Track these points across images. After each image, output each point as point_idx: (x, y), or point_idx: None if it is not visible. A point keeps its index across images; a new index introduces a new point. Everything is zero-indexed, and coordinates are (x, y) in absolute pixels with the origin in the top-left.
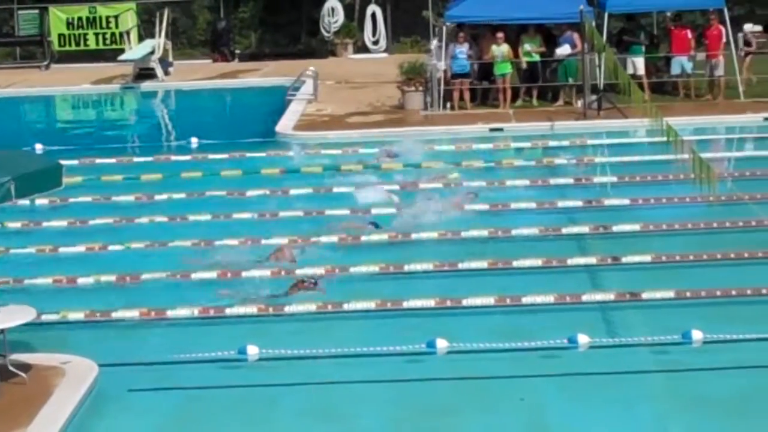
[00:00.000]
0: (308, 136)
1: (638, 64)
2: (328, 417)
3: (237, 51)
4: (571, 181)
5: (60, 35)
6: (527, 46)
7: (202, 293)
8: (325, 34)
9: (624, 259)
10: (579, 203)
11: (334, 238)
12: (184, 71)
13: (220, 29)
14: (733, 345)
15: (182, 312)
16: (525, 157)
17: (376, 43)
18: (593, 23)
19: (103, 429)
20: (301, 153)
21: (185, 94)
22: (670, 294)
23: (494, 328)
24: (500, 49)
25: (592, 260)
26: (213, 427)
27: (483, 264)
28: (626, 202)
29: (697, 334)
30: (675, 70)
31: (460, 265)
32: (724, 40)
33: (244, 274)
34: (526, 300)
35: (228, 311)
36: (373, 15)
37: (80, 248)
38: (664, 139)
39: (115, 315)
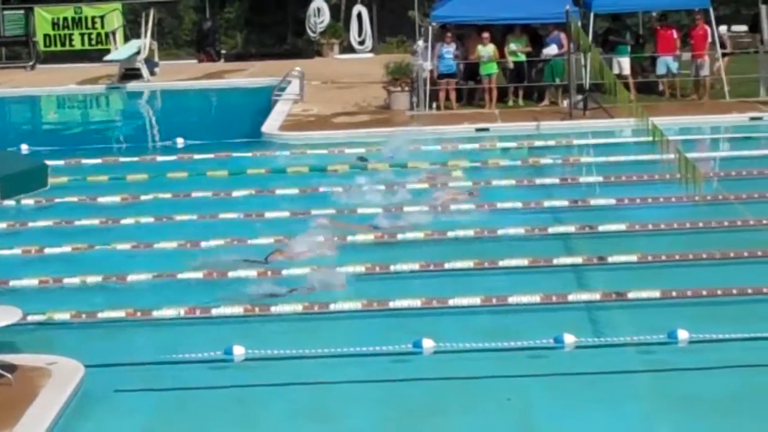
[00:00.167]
0: (294, 137)
1: (624, 64)
2: (314, 417)
3: (223, 51)
4: (557, 180)
5: (45, 35)
6: (513, 46)
7: (188, 293)
8: (311, 34)
9: (610, 259)
10: (565, 203)
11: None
12: (169, 71)
13: (206, 29)
14: (718, 344)
15: (168, 312)
16: (511, 157)
17: (362, 43)
18: (579, 23)
19: (89, 430)
20: (287, 153)
21: (171, 94)
22: (656, 294)
23: (480, 328)
24: (486, 50)
25: (578, 260)
26: (199, 428)
27: (469, 264)
28: (612, 201)
29: (682, 334)
30: (660, 70)
31: (447, 265)
32: (709, 40)
33: (230, 274)
34: (512, 300)
35: (214, 311)
36: (359, 15)
37: (66, 249)
38: (650, 138)
39: (101, 315)
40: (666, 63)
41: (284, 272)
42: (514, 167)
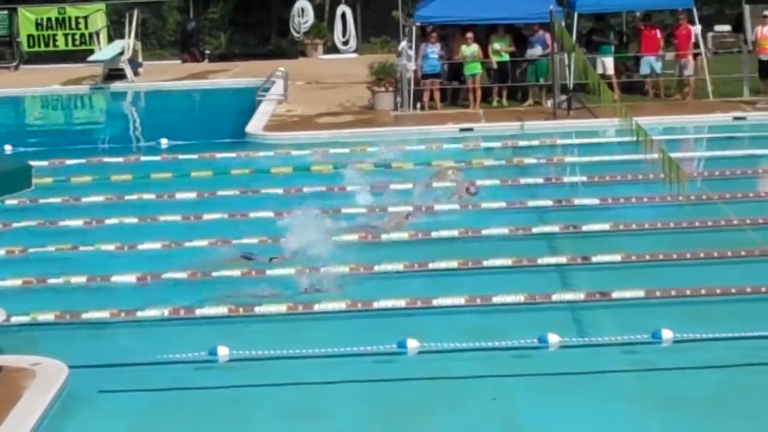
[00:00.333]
0: (278, 137)
1: (608, 63)
2: (299, 417)
3: (207, 51)
4: (541, 180)
5: (29, 36)
6: (497, 45)
7: (173, 294)
8: (295, 34)
9: (594, 259)
10: (549, 203)
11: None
12: (153, 72)
13: (190, 30)
14: (702, 344)
15: (152, 313)
16: (495, 157)
17: (346, 43)
18: (563, 23)
19: (73, 431)
20: (271, 153)
21: (155, 94)
22: (640, 293)
23: (465, 328)
24: (470, 49)
25: (562, 260)
26: (184, 428)
27: (453, 264)
28: (596, 201)
29: (667, 334)
30: (644, 69)
31: (431, 265)
32: (693, 39)
33: (214, 273)
34: (496, 300)
35: (198, 312)
36: (343, 15)
37: (50, 249)
38: (634, 138)
39: (85, 316)
40: (650, 63)
41: (268, 272)
42: (499, 167)
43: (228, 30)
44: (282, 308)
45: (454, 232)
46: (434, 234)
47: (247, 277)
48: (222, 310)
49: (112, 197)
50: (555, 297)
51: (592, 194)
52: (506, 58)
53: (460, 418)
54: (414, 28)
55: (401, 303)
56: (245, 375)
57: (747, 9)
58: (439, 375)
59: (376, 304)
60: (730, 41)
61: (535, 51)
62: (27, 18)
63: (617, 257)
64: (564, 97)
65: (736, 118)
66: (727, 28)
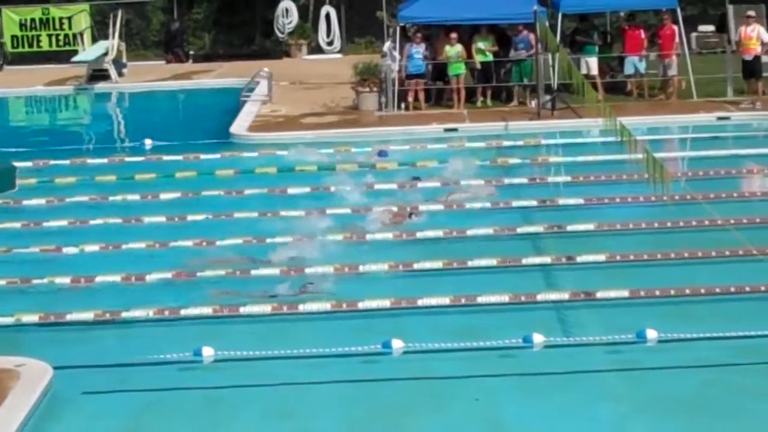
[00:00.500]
0: (263, 137)
1: (592, 64)
2: (284, 418)
3: (191, 52)
4: (525, 180)
5: (13, 37)
6: (480, 45)
7: (157, 295)
8: (280, 35)
9: (578, 259)
10: (533, 203)
11: (288, 239)
12: (137, 72)
13: (174, 30)
14: (687, 344)
15: (137, 314)
16: (480, 157)
17: (330, 43)
18: (547, 23)
19: None
20: (256, 154)
21: (139, 95)
22: (625, 293)
23: (449, 328)
24: (454, 50)
25: (546, 260)
26: (169, 430)
27: (438, 264)
28: (580, 201)
29: (651, 333)
30: (628, 69)
31: (415, 266)
32: (677, 39)
33: (199, 274)
34: (481, 300)
35: (183, 312)
36: (327, 16)
37: (34, 250)
38: (618, 138)
39: (69, 317)
40: (634, 63)
41: (253, 272)
42: (483, 167)
43: (212, 30)
44: (267, 309)
45: (439, 233)
46: (419, 234)
47: (232, 277)
48: (207, 310)
49: (97, 198)
50: (540, 297)
51: (577, 194)
52: (490, 57)
53: (445, 419)
54: (398, 29)
55: (386, 303)
56: (230, 375)
57: (731, 9)
58: (423, 375)
59: (361, 305)
60: (714, 41)
61: (520, 51)
62: (11, 19)
63: (602, 257)
64: (548, 97)
65: (719, 118)
66: (710, 28)
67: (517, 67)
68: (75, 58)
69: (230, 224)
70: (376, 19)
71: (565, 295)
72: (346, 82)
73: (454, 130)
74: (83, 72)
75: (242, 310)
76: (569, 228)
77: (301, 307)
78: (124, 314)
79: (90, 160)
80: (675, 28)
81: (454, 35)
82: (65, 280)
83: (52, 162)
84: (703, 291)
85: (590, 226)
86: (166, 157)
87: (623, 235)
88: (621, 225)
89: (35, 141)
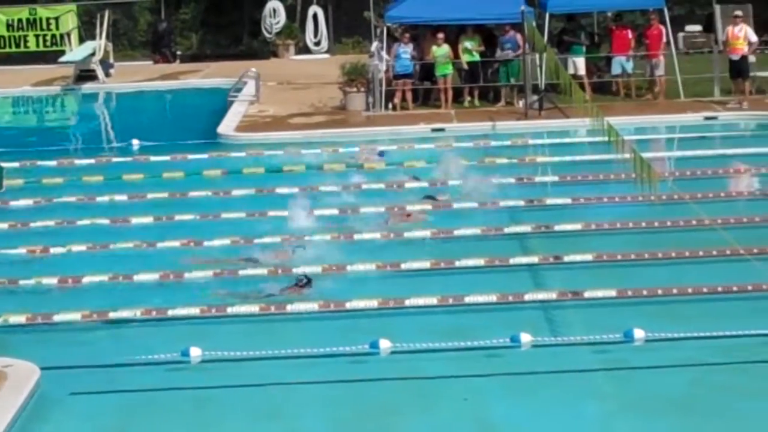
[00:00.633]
0: (250, 138)
1: (579, 64)
2: (272, 418)
3: (178, 52)
4: (512, 180)
5: (0, 37)
6: (467, 44)
7: (145, 295)
8: (267, 35)
9: (566, 258)
10: (521, 203)
11: (276, 239)
12: (125, 73)
13: (161, 30)
14: (674, 343)
15: (124, 314)
16: (467, 157)
17: (317, 44)
18: (534, 23)
19: None
20: (243, 154)
21: (126, 95)
22: (612, 293)
23: (437, 328)
24: (441, 50)
25: (534, 259)
26: (156, 430)
27: (425, 264)
28: (568, 201)
29: (638, 333)
30: (615, 69)
31: (403, 266)
32: (664, 39)
33: (186, 275)
34: (468, 299)
35: (170, 313)
36: (315, 16)
37: (21, 250)
38: (605, 138)
39: (57, 318)
40: (621, 63)
41: (241, 272)
42: (470, 167)
43: (199, 31)
44: (254, 309)
45: (426, 233)
46: (406, 234)
47: (220, 278)
48: (194, 310)
49: (84, 198)
50: (527, 297)
51: (564, 194)
52: (477, 57)
53: (432, 418)
54: (385, 29)
55: (373, 303)
56: (218, 376)
57: (718, 9)
58: (411, 375)
59: (348, 305)
60: (701, 41)
61: (506, 51)
62: None
63: (589, 257)
64: (536, 97)
65: (707, 118)
66: (697, 28)
67: (504, 68)
68: (62, 59)
69: (218, 224)
70: (364, 19)
71: (553, 295)
72: (333, 82)
73: (442, 130)
74: (70, 72)
75: (230, 310)
76: (557, 228)
77: (289, 308)
78: (112, 314)
79: (77, 161)
80: (662, 28)
81: (440, 35)
82: (52, 281)
83: (40, 163)
84: (690, 291)
85: (578, 226)
86: (153, 158)
87: (611, 235)
88: (608, 225)
89: (22, 141)
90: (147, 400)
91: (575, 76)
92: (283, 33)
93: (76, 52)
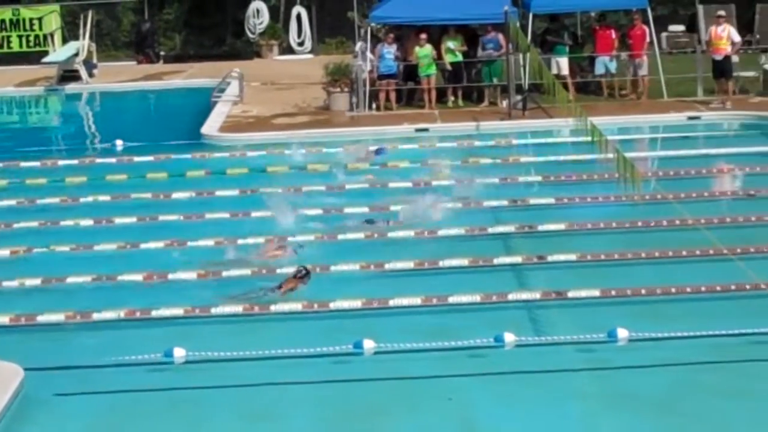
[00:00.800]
0: (234, 138)
1: (562, 64)
2: (256, 418)
3: (162, 53)
4: (496, 180)
5: None
6: (450, 44)
7: (128, 296)
8: (250, 35)
9: (549, 258)
10: (504, 203)
11: (260, 240)
12: (108, 73)
13: (145, 31)
14: (658, 343)
15: (108, 315)
16: (451, 157)
17: (301, 44)
18: (518, 24)
19: None
20: (227, 155)
21: (110, 96)
22: (596, 293)
23: (421, 328)
24: (424, 51)
25: (517, 259)
26: (140, 431)
27: (409, 264)
28: (551, 201)
29: (622, 333)
30: (599, 69)
31: (387, 266)
32: (647, 39)
33: (170, 276)
34: (452, 300)
35: (154, 313)
36: (298, 16)
37: (4, 252)
38: (589, 138)
39: (40, 319)
40: (604, 63)
41: (224, 273)
42: (454, 167)
43: (183, 31)
44: (238, 309)
45: (410, 233)
46: (390, 235)
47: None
48: (178, 311)
49: (67, 199)
50: (511, 296)
51: (548, 194)
52: (459, 57)
53: (417, 418)
54: (369, 29)
55: (357, 304)
56: (201, 376)
57: (701, 9)
58: (395, 375)
59: (332, 305)
60: (684, 41)
61: (488, 51)
62: None
63: (573, 257)
64: (519, 97)
65: (690, 118)
66: (681, 28)
67: (487, 68)
68: (45, 59)
69: (202, 225)
70: (347, 19)
71: (537, 295)
72: (317, 82)
73: (426, 130)
74: (54, 73)
75: (213, 310)
76: (540, 228)
77: (273, 308)
78: (96, 315)
79: (61, 161)
80: (645, 28)
81: (423, 36)
82: (36, 282)
83: (23, 163)
84: (673, 290)
85: (561, 226)
86: (137, 158)
87: (594, 235)
88: (592, 225)
89: (5, 142)
90: (131, 401)
91: (559, 76)
92: (266, 33)
93: (59, 52)
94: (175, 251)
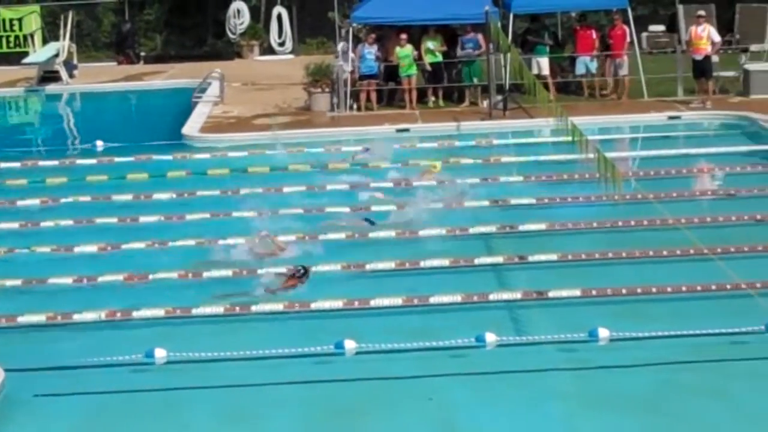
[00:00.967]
0: (215, 138)
1: (543, 64)
2: (237, 419)
3: (142, 53)
4: (477, 180)
5: None
6: (429, 45)
7: (109, 297)
8: (231, 35)
9: (530, 258)
10: (485, 203)
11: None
12: (89, 74)
13: (125, 31)
14: (638, 342)
15: (89, 316)
16: (431, 157)
17: (282, 44)
18: (498, 24)
19: None
20: (208, 155)
21: (90, 96)
22: (577, 292)
23: (402, 329)
24: (404, 51)
25: (498, 259)
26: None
27: (390, 265)
28: (532, 201)
29: (603, 332)
30: (580, 70)
31: (368, 266)
32: (628, 39)
33: (151, 277)
34: (433, 300)
35: (135, 314)
36: (279, 16)
37: None
38: (569, 138)
39: (21, 320)
40: (585, 63)
41: (205, 274)
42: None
43: (164, 32)
44: (219, 309)
45: (391, 233)
46: (371, 235)
47: (184, 280)
48: (159, 312)
49: (48, 200)
50: (492, 297)
51: (528, 194)
52: (439, 58)
53: (397, 419)
54: (350, 30)
55: (338, 304)
56: (182, 377)
57: (681, 9)
58: (376, 375)
59: (313, 305)
60: (665, 41)
61: (467, 51)
62: None
63: (554, 257)
64: (500, 97)
65: (670, 118)
66: (661, 28)
67: (467, 68)
68: (26, 60)
69: (182, 226)
70: (328, 19)
71: (518, 295)
72: (298, 82)
73: (406, 130)
74: (34, 73)
75: (195, 311)
76: (521, 228)
77: (254, 308)
78: (76, 316)
79: (41, 162)
80: (626, 28)
81: (403, 36)
82: (16, 283)
83: (3, 164)
84: (654, 290)
85: (542, 226)
86: (117, 159)
87: (575, 235)
88: (573, 225)
89: None
90: (112, 402)
91: (539, 76)
92: (247, 34)
93: (39, 53)
94: (156, 252)
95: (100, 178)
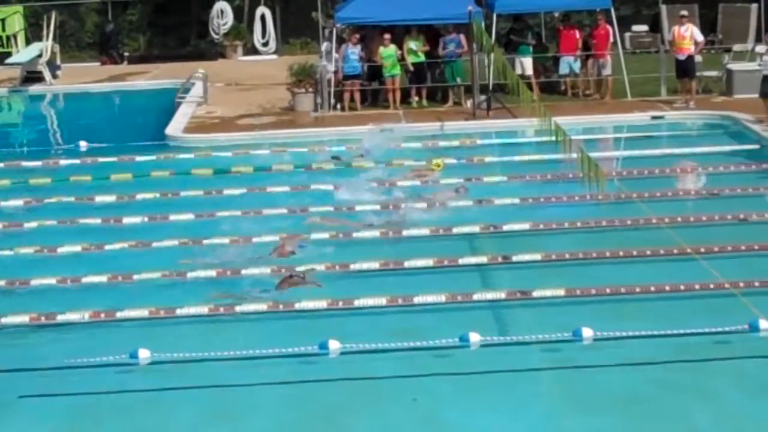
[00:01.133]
0: (198, 139)
1: (526, 64)
2: (221, 419)
3: (126, 53)
4: (461, 180)
5: None
6: (412, 45)
7: (93, 297)
8: (215, 36)
9: (514, 258)
10: (469, 203)
11: (225, 240)
12: (72, 74)
13: (109, 32)
14: (622, 342)
15: (73, 317)
16: (415, 157)
17: (265, 44)
18: (482, 24)
19: None
20: (192, 155)
21: (74, 97)
22: (561, 292)
23: (386, 329)
24: (388, 51)
25: (482, 259)
26: None
27: (374, 265)
28: (516, 201)
29: (587, 332)
30: (563, 69)
31: (352, 266)
32: (611, 39)
33: (135, 277)
34: (417, 300)
35: (119, 315)
36: (263, 17)
37: None
38: (553, 138)
39: (4, 320)
40: (568, 63)
41: (189, 275)
42: (419, 167)
43: (147, 32)
44: (203, 310)
45: (376, 233)
46: (355, 235)
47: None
48: (143, 312)
49: (31, 201)
50: (476, 296)
51: (512, 194)
52: (421, 58)
53: (382, 419)
54: (334, 30)
55: (322, 304)
56: (167, 377)
57: (664, 9)
58: (360, 376)
59: (297, 305)
60: (648, 41)
61: (449, 51)
62: None
63: (537, 256)
64: (483, 97)
65: (653, 118)
66: (644, 28)
67: (449, 67)
68: (9, 60)
69: (166, 226)
70: (311, 20)
71: (502, 295)
72: (281, 83)
73: (390, 130)
74: (17, 74)
75: (179, 311)
76: (505, 228)
77: (238, 309)
78: (60, 317)
79: (24, 163)
80: (609, 28)
81: (387, 36)
82: None
83: None
84: (638, 290)
85: (526, 226)
86: (101, 159)
87: (559, 235)
88: (556, 224)
89: None
90: (96, 403)
91: (523, 76)
92: (230, 34)
93: (22, 53)
94: (140, 252)
95: (83, 179)
